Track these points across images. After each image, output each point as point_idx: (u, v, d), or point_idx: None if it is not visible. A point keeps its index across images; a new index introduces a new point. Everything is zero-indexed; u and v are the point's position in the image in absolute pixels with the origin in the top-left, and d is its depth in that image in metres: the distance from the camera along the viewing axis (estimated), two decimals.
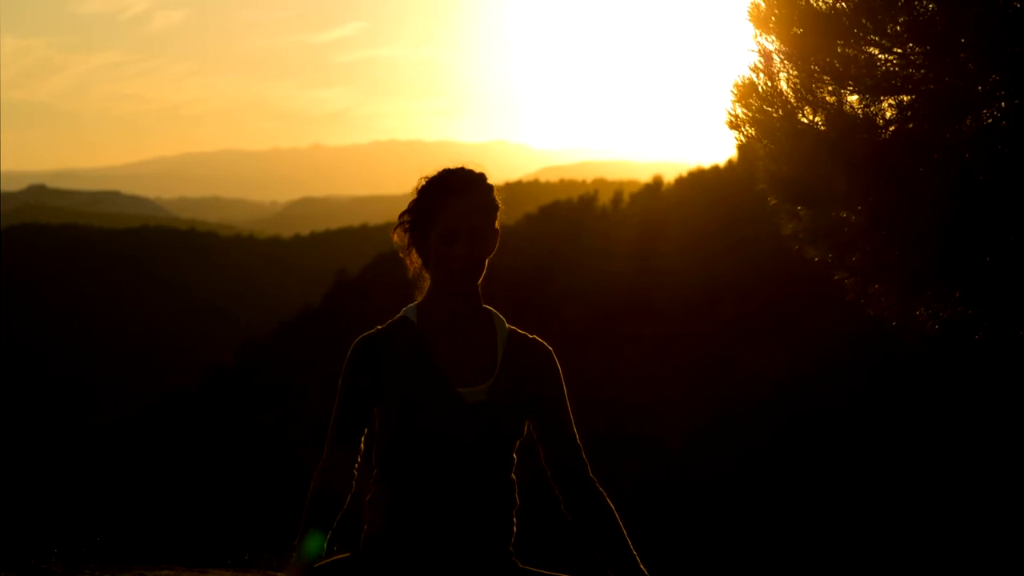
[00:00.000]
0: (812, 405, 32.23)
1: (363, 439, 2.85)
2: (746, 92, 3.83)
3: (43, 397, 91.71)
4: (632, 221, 50.93)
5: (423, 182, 2.88)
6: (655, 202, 52.68)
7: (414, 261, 2.93)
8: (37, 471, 55.87)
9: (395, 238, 2.94)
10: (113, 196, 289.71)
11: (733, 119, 3.89)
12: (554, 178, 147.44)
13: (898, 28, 3.51)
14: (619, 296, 43.88)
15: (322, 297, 76.26)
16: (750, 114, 3.80)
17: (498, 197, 2.87)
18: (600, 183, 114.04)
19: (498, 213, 2.88)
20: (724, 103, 3.90)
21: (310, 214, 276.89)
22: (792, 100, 3.72)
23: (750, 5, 3.88)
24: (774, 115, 3.71)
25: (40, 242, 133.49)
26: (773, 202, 4.00)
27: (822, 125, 3.66)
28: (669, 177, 58.63)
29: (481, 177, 2.85)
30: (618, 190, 58.55)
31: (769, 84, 3.79)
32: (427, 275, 2.91)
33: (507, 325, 2.94)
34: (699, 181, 51.87)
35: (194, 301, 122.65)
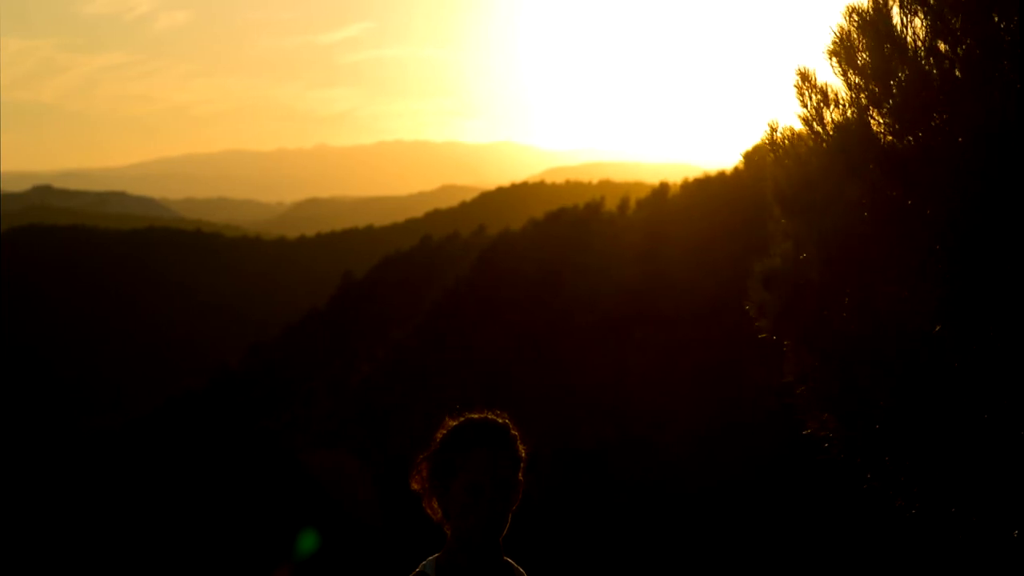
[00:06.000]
0: None
1: None
2: (774, 279, 3.75)
3: (50, 398, 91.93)
4: (639, 227, 50.91)
5: (443, 432, 2.78)
6: (662, 208, 52.67)
7: (435, 510, 2.81)
8: (44, 471, 56.01)
9: (414, 485, 2.82)
10: (119, 197, 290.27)
11: (760, 309, 3.83)
12: (560, 179, 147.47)
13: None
14: (626, 302, 43.87)
15: (328, 299, 76.39)
16: (777, 304, 3.74)
17: (522, 448, 2.78)
18: (606, 184, 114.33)
19: (522, 464, 2.78)
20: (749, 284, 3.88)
21: (316, 215, 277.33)
22: (819, 292, 3.62)
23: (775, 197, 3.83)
24: (802, 306, 3.62)
25: (46, 243, 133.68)
26: (801, 393, 3.93)
27: (850, 323, 3.56)
28: (675, 178, 58.62)
29: (505, 428, 2.76)
30: (624, 196, 58.43)
31: (796, 273, 3.70)
32: (447, 526, 2.78)
33: None
34: (705, 187, 51.84)
35: (200, 302, 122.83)
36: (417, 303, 60.73)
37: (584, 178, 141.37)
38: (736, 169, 48.99)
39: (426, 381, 47.44)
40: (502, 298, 49.62)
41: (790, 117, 3.76)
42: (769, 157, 3.80)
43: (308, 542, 36.57)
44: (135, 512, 47.05)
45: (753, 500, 30.78)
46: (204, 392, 64.99)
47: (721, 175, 51.74)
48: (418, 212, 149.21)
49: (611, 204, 58.70)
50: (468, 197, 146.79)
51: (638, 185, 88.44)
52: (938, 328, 3.40)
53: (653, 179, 68.65)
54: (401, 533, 30.85)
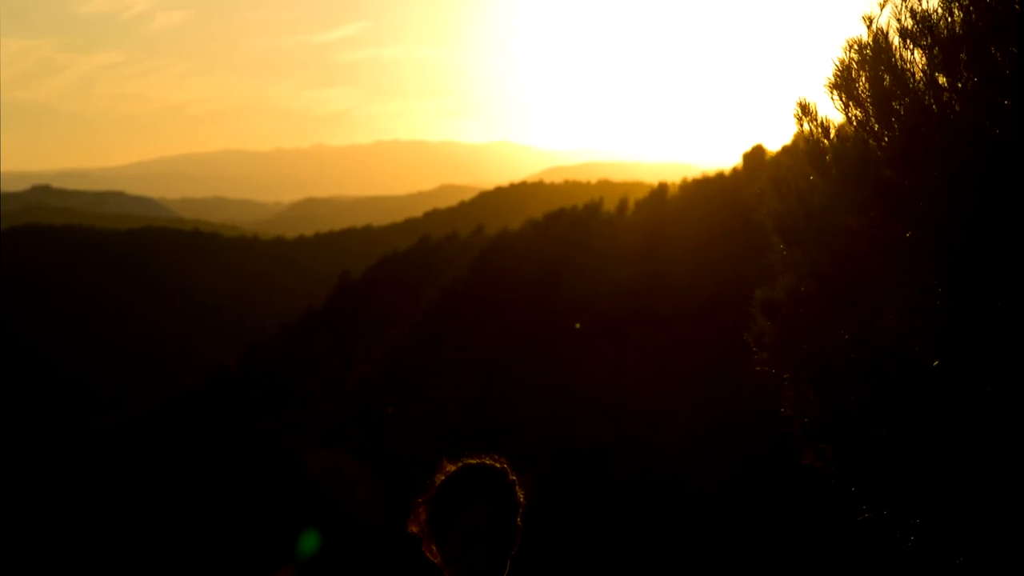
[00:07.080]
0: None
1: None
2: (774, 310, 3.78)
3: (47, 398, 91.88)
4: (637, 227, 50.95)
5: (442, 477, 2.78)
6: (660, 208, 52.73)
7: (434, 554, 2.79)
8: (41, 471, 56.01)
9: (413, 529, 2.83)
10: (117, 196, 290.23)
11: (759, 341, 3.85)
12: (558, 179, 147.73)
13: None
14: (624, 303, 43.91)
15: (325, 299, 76.38)
16: (771, 339, 3.76)
17: (520, 493, 2.77)
18: (605, 184, 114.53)
19: (520, 510, 2.77)
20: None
21: (313, 214, 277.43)
22: (817, 323, 3.64)
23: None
24: (800, 337, 3.63)
25: (44, 243, 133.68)
26: (799, 424, 3.98)
27: (847, 354, 3.55)
28: (674, 179, 58.72)
29: (502, 474, 2.75)
30: (623, 196, 58.51)
31: (796, 305, 3.69)
32: (446, 571, 2.75)
33: None
34: (704, 188, 51.89)
35: (199, 302, 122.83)
36: (415, 303, 60.76)
37: (583, 178, 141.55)
38: (735, 170, 49.09)
39: (424, 381, 47.48)
40: (500, 298, 49.64)
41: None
42: (770, 192, 3.77)
43: (310, 543, 36.56)
44: (134, 512, 47.06)
45: (751, 500, 30.83)
46: (201, 392, 64.96)
47: (720, 175, 51.83)
48: (416, 212, 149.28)
49: (610, 204, 58.75)
50: (466, 197, 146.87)
51: (637, 185, 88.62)
52: (936, 362, 3.38)
53: (652, 179, 68.75)
54: (401, 533, 30.85)
